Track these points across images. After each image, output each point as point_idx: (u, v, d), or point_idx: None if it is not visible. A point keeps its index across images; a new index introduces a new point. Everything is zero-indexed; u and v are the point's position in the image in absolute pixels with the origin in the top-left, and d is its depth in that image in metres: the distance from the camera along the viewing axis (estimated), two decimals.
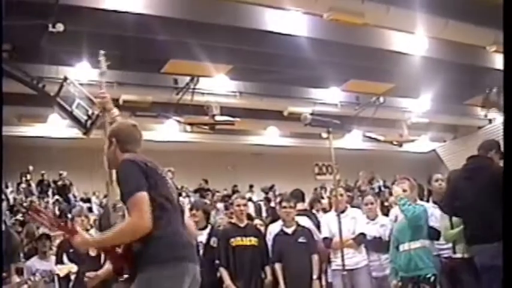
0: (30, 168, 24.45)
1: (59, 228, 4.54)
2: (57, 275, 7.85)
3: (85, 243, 4.51)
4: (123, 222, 4.48)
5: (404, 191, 7.64)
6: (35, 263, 9.18)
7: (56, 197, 23.55)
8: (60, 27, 14.26)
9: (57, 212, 21.68)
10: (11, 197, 23.78)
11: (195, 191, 24.24)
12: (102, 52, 7.34)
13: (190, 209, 8.56)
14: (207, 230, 8.60)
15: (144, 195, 4.30)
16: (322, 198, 15.70)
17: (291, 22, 16.88)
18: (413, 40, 18.80)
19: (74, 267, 8.00)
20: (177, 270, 4.34)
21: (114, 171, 4.79)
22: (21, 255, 8.39)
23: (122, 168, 4.49)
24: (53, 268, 8.33)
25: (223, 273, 8.12)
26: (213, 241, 8.38)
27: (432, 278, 7.24)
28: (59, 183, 24.79)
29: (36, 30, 15.12)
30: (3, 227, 7.38)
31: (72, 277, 7.65)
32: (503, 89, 2.17)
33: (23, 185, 25.28)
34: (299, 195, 10.12)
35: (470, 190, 6.78)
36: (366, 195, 11.45)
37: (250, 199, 20.44)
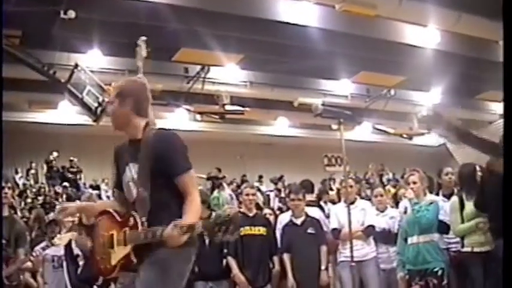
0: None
1: None
2: (65, 251, 7.84)
3: (178, 238, 3.98)
4: (188, 202, 4.20)
5: (414, 183, 7.62)
6: (44, 247, 9.22)
7: (65, 183, 23.61)
8: (71, 14, 14.26)
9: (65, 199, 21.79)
10: (20, 182, 23.89)
11: (208, 179, 24.27)
12: (143, 38, 7.35)
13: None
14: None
15: (194, 174, 4.32)
16: (331, 189, 15.69)
17: (302, 12, 16.84)
18: (425, 33, 18.74)
19: (74, 234, 7.96)
20: (190, 254, 4.29)
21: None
22: (28, 239, 8.39)
23: (174, 139, 4.37)
24: (61, 253, 8.33)
25: (231, 262, 8.12)
26: None
27: (440, 272, 7.23)
28: (71, 169, 24.92)
29: (47, 17, 15.12)
30: (7, 212, 7.35)
31: (81, 263, 7.66)
32: (503, 87, 2.11)
33: (33, 171, 25.40)
34: (308, 186, 10.08)
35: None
36: (375, 187, 11.43)
37: (259, 189, 20.44)
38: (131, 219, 4.19)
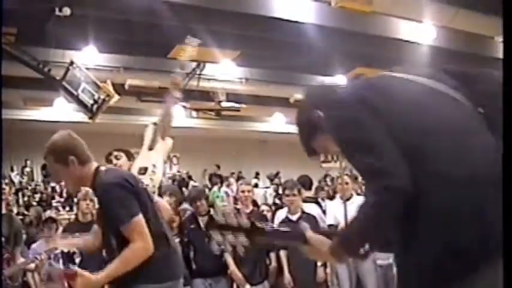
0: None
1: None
2: (62, 251, 7.83)
3: (88, 285, 4.03)
4: (127, 249, 4.10)
5: None
6: (40, 246, 9.21)
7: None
8: (66, 11, 14.23)
9: (65, 195, 21.79)
10: (16, 180, 23.88)
11: (210, 178, 24.31)
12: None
13: (195, 199, 8.53)
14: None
15: (141, 219, 4.16)
16: (327, 185, 15.69)
17: (298, 9, 16.81)
18: (421, 29, 18.71)
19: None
20: (173, 284, 4.32)
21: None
22: (24, 237, 8.39)
23: (108, 191, 4.23)
24: (58, 251, 8.32)
25: (228, 258, 8.14)
26: None
27: None
28: None
29: (42, 14, 15.09)
30: (4, 209, 7.35)
31: (77, 260, 7.65)
32: (503, 85, 2.10)
33: (28, 169, 25.38)
34: (306, 182, 10.09)
35: None
36: None
37: (256, 185, 20.46)
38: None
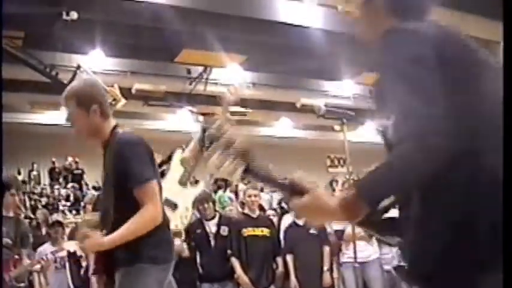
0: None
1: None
2: (68, 252, 7.85)
3: (98, 244, 3.92)
4: (138, 213, 3.82)
5: None
6: (47, 249, 9.23)
7: (71, 184, 23.72)
8: (73, 15, 14.29)
9: (72, 200, 21.83)
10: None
11: (215, 181, 24.25)
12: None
13: (202, 202, 8.47)
14: (216, 220, 8.56)
15: (156, 184, 3.95)
16: (334, 190, 15.64)
17: (305, 13, 16.84)
18: None
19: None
20: (167, 266, 4.05)
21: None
22: (31, 240, 8.42)
23: (133, 146, 4.01)
24: (64, 254, 8.33)
25: (235, 263, 8.10)
26: (223, 230, 8.35)
27: None
28: (75, 171, 25.00)
29: (50, 18, 15.14)
30: (12, 212, 7.36)
31: (83, 264, 7.67)
32: (503, 87, 2.03)
33: (34, 172, 25.43)
34: None
35: None
36: None
37: (262, 190, 20.42)
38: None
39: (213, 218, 8.51)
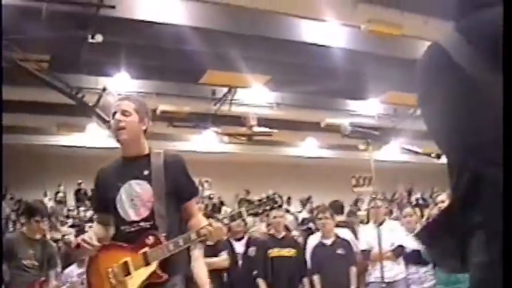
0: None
1: None
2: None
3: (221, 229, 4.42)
4: (198, 218, 4.32)
5: (442, 202, 7.57)
6: (73, 270, 9.28)
7: None
8: (99, 38, 14.42)
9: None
10: (49, 205, 23.98)
11: (239, 202, 24.25)
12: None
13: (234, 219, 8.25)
14: (244, 240, 8.54)
15: None
16: (359, 210, 15.56)
17: (328, 33, 16.86)
18: None
19: None
20: None
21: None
22: (58, 261, 8.45)
23: (185, 163, 4.39)
24: None
25: (261, 284, 8.08)
26: (251, 251, 8.34)
27: None
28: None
29: (75, 41, 15.30)
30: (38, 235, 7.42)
31: None
32: (503, 84, 1.97)
33: (61, 194, 25.54)
34: (338, 207, 10.03)
35: None
36: (404, 208, 11.32)
37: (287, 211, 20.40)
38: (150, 238, 4.11)
39: (241, 238, 8.50)
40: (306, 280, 8.38)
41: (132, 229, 4.15)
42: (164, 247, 4.06)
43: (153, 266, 4.07)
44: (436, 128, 2.13)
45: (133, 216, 4.18)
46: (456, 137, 2.07)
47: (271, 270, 8.10)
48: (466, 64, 2.09)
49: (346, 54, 17.08)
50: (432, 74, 2.24)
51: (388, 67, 18.33)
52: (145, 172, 4.24)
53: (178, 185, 4.25)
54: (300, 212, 23.42)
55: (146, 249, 4.09)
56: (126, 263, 4.14)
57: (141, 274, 4.09)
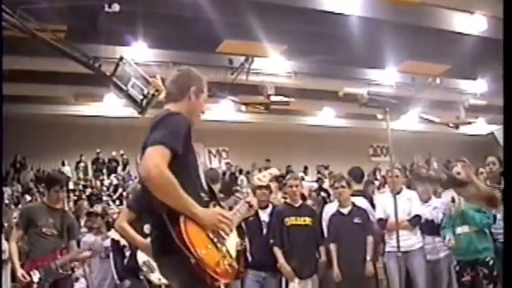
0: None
1: None
2: (112, 241, 7.90)
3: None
4: None
5: (458, 173, 7.56)
6: (91, 237, 9.40)
7: (114, 174, 24.05)
8: (115, 7, 14.38)
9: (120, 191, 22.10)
10: (69, 175, 24.18)
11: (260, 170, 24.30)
12: None
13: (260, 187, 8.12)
14: (269, 209, 8.47)
15: None
16: (376, 179, 15.49)
17: (346, 2, 16.73)
18: (472, 19, 18.42)
19: None
20: None
21: None
22: (79, 230, 8.54)
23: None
24: (108, 244, 8.42)
25: (277, 252, 8.07)
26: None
27: (491, 262, 7.11)
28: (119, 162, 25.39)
29: (92, 11, 15.28)
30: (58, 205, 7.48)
31: (127, 253, 7.73)
32: (503, 83, 1.98)
33: (82, 164, 25.74)
34: (358, 174, 9.91)
35: None
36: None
37: (303, 179, 20.43)
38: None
39: (266, 207, 8.46)
40: (322, 249, 8.39)
41: (207, 198, 4.07)
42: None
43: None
44: None
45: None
46: None
47: (287, 239, 8.10)
48: None
49: (363, 22, 16.96)
50: None
51: (406, 36, 18.19)
52: None
53: None
54: (316, 181, 23.47)
55: None
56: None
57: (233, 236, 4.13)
